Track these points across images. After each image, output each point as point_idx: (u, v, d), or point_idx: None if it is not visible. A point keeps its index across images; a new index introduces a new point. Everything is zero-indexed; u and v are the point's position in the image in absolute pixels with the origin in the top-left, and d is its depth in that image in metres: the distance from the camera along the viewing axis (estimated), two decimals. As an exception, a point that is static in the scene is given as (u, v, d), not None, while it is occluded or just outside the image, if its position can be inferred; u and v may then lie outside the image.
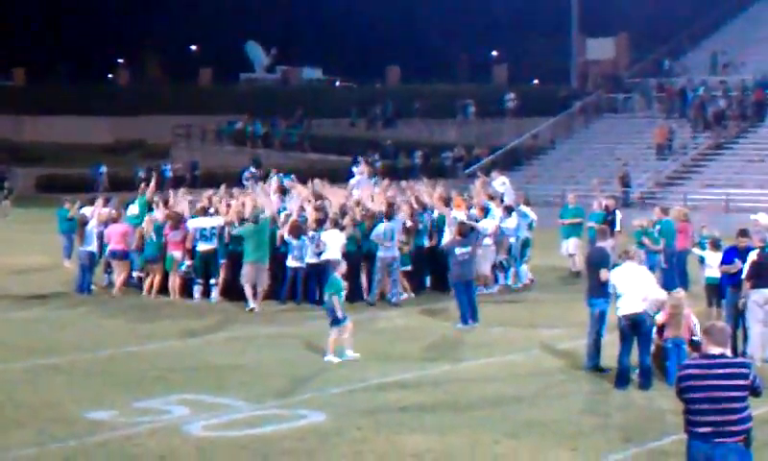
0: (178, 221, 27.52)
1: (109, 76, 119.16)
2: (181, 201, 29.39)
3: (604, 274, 18.65)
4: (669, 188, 52.21)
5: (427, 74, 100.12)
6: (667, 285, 23.99)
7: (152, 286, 27.76)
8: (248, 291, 25.77)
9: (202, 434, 15.17)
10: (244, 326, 23.94)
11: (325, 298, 20.80)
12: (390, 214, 26.83)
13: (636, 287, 17.69)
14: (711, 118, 57.55)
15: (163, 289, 27.80)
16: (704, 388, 10.06)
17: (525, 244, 29.94)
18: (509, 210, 29.70)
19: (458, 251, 23.99)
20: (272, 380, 18.42)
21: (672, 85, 62.94)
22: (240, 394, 17.33)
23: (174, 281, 27.42)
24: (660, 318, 18.28)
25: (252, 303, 25.58)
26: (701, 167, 54.21)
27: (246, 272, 25.89)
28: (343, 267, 21.54)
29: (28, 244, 33.97)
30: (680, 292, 18.73)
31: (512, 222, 29.35)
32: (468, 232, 24.60)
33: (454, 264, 24.08)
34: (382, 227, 26.34)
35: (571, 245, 31.44)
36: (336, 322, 20.10)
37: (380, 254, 26.30)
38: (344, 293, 20.78)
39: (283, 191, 30.16)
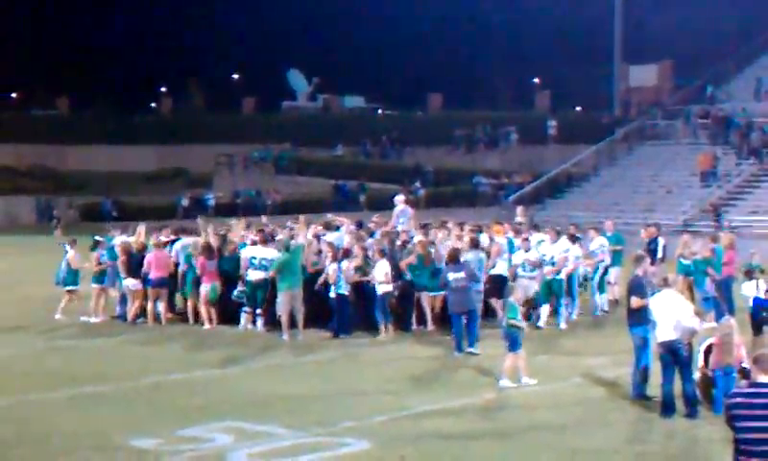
0: (211, 251, 27.65)
1: (153, 105, 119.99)
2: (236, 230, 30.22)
3: (635, 301, 18.55)
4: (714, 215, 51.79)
5: (469, 101, 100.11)
6: (717, 314, 23.94)
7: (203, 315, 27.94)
8: (284, 321, 25.73)
9: (246, 462, 15.18)
10: (287, 354, 23.94)
11: (504, 323, 20.53)
12: (476, 243, 26.43)
13: (670, 315, 17.55)
14: (756, 144, 57.19)
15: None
16: (752, 418, 9.95)
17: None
18: (573, 239, 29.37)
19: (451, 277, 23.87)
20: (315, 408, 18.38)
21: (718, 111, 62.58)
22: (284, 422, 17.31)
23: (208, 309, 27.54)
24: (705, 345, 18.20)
25: (285, 335, 25.50)
26: (745, 194, 53.81)
27: (281, 301, 25.90)
28: (518, 293, 21.05)
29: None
30: (729, 320, 18.56)
31: (576, 250, 28.99)
32: (457, 258, 24.27)
33: (449, 292, 24.08)
34: (471, 256, 25.63)
35: (612, 274, 31.09)
36: (514, 347, 20.06)
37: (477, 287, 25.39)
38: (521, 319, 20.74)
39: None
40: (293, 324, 25.73)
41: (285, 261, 25.96)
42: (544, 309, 27.38)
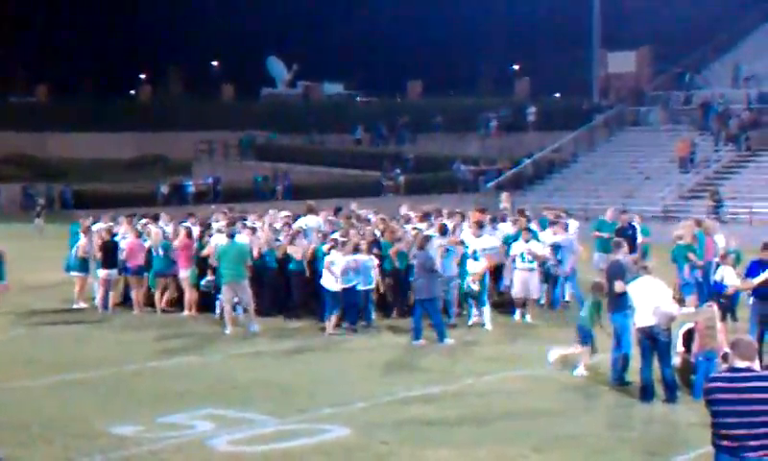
0: (192, 237, 27.61)
1: (132, 92, 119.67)
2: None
3: (619, 286, 18.63)
4: (692, 201, 52.05)
5: (449, 88, 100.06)
6: (700, 299, 24.05)
7: (169, 302, 27.85)
8: (226, 312, 25.02)
9: (226, 449, 15.19)
10: (267, 341, 23.92)
11: (584, 314, 20.04)
12: (443, 230, 26.08)
13: (649, 300, 17.63)
14: (734, 131, 57.39)
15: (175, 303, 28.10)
16: (730, 402, 10.02)
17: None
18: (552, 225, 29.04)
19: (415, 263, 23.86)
20: (296, 395, 18.42)
21: (699, 98, 62.77)
22: (265, 408, 17.34)
23: (191, 297, 27.43)
24: (684, 330, 18.33)
25: (229, 329, 24.70)
26: (724, 180, 54.01)
27: (223, 292, 25.32)
28: (601, 285, 20.43)
29: (50, 260, 34.04)
30: (712, 306, 18.65)
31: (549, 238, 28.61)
32: (424, 245, 23.81)
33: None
34: (438, 242, 25.02)
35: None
36: (584, 341, 19.77)
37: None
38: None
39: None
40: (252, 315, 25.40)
41: (224, 251, 25.32)
42: (486, 309, 25.27)
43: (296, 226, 28.29)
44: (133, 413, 17.11)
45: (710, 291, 25.66)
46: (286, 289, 27.02)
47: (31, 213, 62.56)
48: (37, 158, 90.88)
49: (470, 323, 25.28)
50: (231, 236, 25.79)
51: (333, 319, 24.50)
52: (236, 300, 25.71)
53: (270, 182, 73.45)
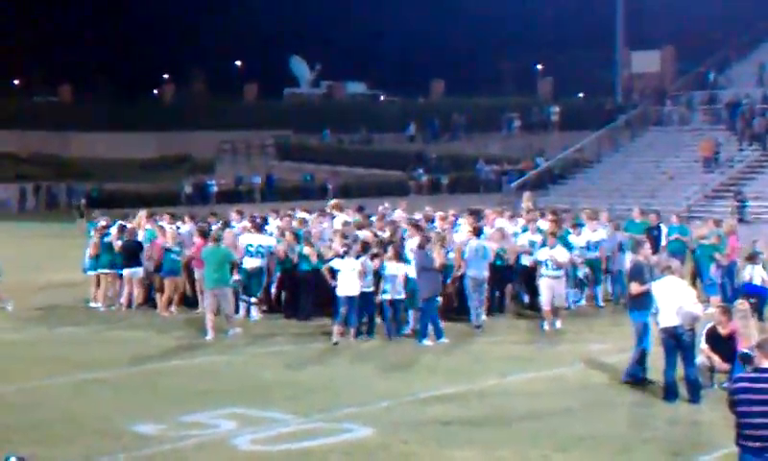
0: (207, 236, 27.37)
1: (155, 92, 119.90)
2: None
3: (635, 287, 18.54)
4: (716, 201, 51.79)
5: (471, 88, 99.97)
6: (725, 298, 23.96)
7: (170, 301, 27.69)
8: (209, 320, 24.09)
9: (249, 448, 15.19)
10: (288, 341, 23.89)
11: None
12: (478, 231, 25.66)
13: (673, 301, 17.54)
14: (758, 131, 57.08)
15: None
16: (756, 402, 9.95)
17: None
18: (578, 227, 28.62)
19: None
20: (318, 395, 18.41)
21: (725, 97, 62.45)
22: (287, 408, 17.33)
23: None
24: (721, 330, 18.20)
25: (210, 335, 23.92)
26: (748, 180, 53.71)
27: (206, 298, 24.75)
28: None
29: (72, 259, 34.15)
30: (744, 304, 18.54)
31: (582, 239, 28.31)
32: (424, 245, 23.62)
33: None
34: (474, 243, 24.97)
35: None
36: None
37: (470, 273, 24.69)
38: None
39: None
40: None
41: (207, 253, 24.78)
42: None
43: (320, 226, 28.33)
44: (156, 412, 17.12)
45: (735, 291, 25.61)
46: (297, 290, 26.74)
47: (71, 212, 62.81)
48: (60, 158, 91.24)
49: (407, 331, 24.28)
50: (217, 240, 25.24)
51: (352, 331, 23.65)
52: (254, 300, 26.22)
53: (316, 181, 73.53)
